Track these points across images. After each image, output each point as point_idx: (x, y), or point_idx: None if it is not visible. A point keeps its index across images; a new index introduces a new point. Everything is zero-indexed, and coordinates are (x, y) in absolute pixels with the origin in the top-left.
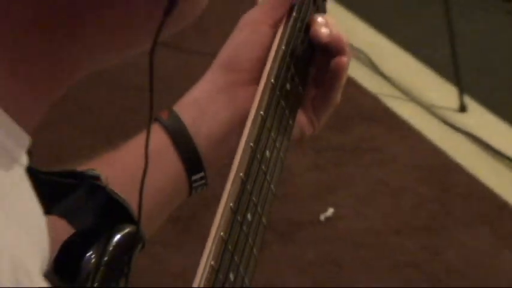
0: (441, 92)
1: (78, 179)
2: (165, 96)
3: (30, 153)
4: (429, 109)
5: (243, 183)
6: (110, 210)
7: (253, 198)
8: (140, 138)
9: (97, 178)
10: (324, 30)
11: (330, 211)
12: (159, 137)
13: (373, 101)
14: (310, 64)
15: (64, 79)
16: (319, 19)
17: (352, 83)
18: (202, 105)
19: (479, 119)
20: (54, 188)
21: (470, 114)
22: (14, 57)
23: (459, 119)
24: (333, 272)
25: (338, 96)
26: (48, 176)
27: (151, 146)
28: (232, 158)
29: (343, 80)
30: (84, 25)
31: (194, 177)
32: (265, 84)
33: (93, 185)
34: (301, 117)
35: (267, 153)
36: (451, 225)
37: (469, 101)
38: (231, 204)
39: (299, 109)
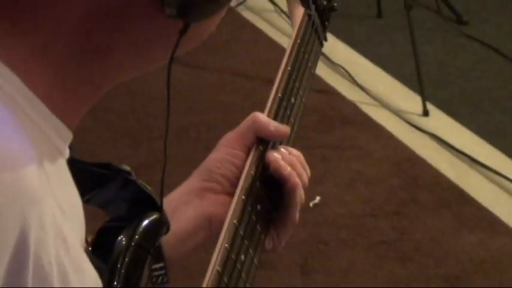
0: (408, 99)
1: (113, 172)
2: (177, 105)
3: (71, 147)
4: (398, 114)
5: (220, 275)
6: (139, 200)
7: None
8: None
9: (129, 173)
10: (272, 166)
11: (318, 199)
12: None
13: (352, 107)
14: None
15: (96, 90)
16: (271, 155)
17: (334, 92)
18: (174, 205)
19: (439, 121)
20: (91, 177)
21: (432, 117)
22: (58, 72)
23: (423, 122)
24: (320, 249)
25: (294, 218)
26: (87, 166)
27: None
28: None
29: (294, 205)
30: (113, 50)
31: (154, 266)
32: (238, 199)
33: (126, 178)
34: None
35: (242, 256)
36: (417, 210)
37: (430, 107)
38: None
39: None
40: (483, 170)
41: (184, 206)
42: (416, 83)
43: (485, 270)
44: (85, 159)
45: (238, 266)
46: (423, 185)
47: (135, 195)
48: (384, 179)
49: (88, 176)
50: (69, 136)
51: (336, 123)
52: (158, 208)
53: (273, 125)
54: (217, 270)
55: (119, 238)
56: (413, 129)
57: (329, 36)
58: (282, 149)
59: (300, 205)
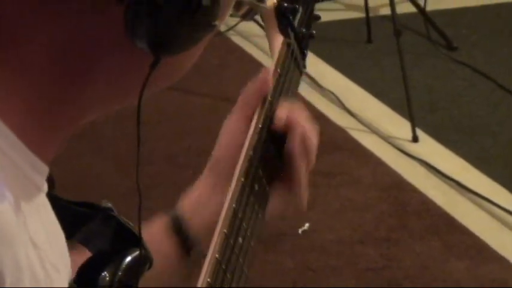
0: (397, 125)
1: (95, 210)
2: (167, 130)
3: (49, 180)
4: (387, 140)
5: (219, 263)
6: (121, 236)
7: (228, 276)
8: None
9: (111, 209)
10: (282, 118)
11: (306, 225)
12: (164, 222)
13: (342, 133)
14: (276, 164)
15: (70, 124)
16: (280, 110)
17: (323, 118)
18: (194, 205)
19: (429, 148)
20: (73, 215)
21: (421, 144)
22: (32, 106)
23: (412, 147)
24: (309, 276)
25: (299, 185)
26: (69, 204)
27: (158, 229)
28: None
29: (299, 170)
30: (86, 83)
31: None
32: (236, 184)
33: (108, 215)
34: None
35: (240, 239)
36: (406, 236)
37: (420, 133)
38: (208, 279)
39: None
40: (472, 196)
41: (205, 203)
42: (406, 108)
43: None
44: (74, 184)
45: (236, 250)
46: (412, 211)
47: (117, 231)
48: (373, 206)
49: (70, 214)
50: (45, 170)
51: (326, 149)
52: (141, 243)
53: (257, 79)
54: (216, 258)
55: (102, 275)
56: (403, 155)
57: (318, 61)
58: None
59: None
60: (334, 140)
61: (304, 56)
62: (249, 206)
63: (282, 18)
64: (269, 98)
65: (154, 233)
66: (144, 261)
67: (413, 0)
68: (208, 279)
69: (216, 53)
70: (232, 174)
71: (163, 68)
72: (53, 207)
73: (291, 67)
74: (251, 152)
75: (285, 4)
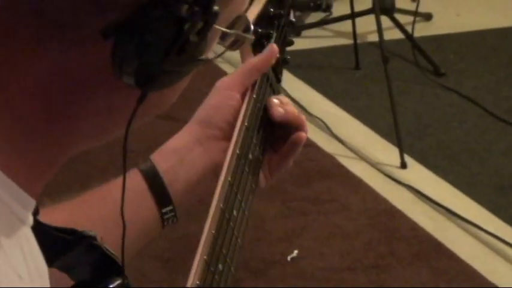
0: (385, 152)
1: (78, 237)
2: (147, 146)
3: (36, 212)
4: (376, 166)
5: (215, 239)
6: (103, 265)
7: (224, 251)
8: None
9: (94, 238)
10: (279, 109)
11: (295, 252)
12: (137, 181)
13: (330, 159)
14: (269, 135)
15: (57, 158)
16: (275, 100)
17: (312, 145)
18: (182, 154)
19: (417, 174)
20: (56, 241)
21: (410, 170)
22: (17, 141)
23: (400, 174)
24: None
25: (291, 162)
26: (53, 231)
27: (132, 188)
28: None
29: (299, 150)
30: (72, 118)
31: (164, 210)
32: (232, 154)
33: (90, 243)
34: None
35: (235, 212)
36: (395, 263)
37: (408, 159)
38: (205, 256)
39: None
40: (461, 222)
41: (189, 155)
42: (394, 135)
43: None
44: (58, 199)
45: (232, 224)
46: (401, 237)
47: (99, 259)
48: (362, 232)
49: (53, 240)
50: (31, 204)
51: (314, 176)
52: (122, 272)
53: (264, 53)
54: (212, 233)
55: None
56: (391, 181)
57: (307, 88)
58: (279, 97)
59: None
60: (323, 166)
61: (279, 81)
62: (243, 179)
63: (257, 43)
64: (245, 124)
65: (131, 193)
66: None
67: (401, 26)
68: (205, 257)
69: (204, 81)
70: (222, 134)
71: (150, 101)
72: (37, 233)
73: (267, 93)
74: (246, 124)
75: (259, 30)
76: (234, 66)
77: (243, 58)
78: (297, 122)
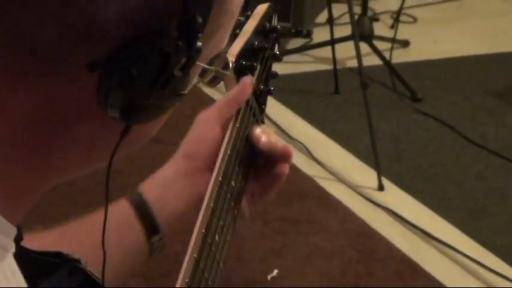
0: (363, 174)
1: (62, 260)
2: (140, 179)
3: (18, 239)
4: (354, 188)
5: (197, 262)
6: (87, 287)
7: (205, 275)
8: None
9: (78, 261)
10: (263, 139)
11: (275, 272)
12: (126, 210)
13: (310, 182)
14: (252, 164)
15: (38, 188)
16: (258, 130)
17: (292, 167)
18: (168, 186)
19: (394, 196)
20: (41, 265)
21: (387, 192)
22: (0, 169)
23: (378, 196)
24: None
25: (274, 193)
26: (37, 255)
27: (120, 216)
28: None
29: (282, 181)
30: (55, 150)
31: (153, 240)
32: (214, 181)
33: (74, 266)
34: (242, 202)
35: (217, 237)
36: (372, 283)
37: (386, 182)
38: (187, 279)
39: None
40: (436, 243)
41: (175, 186)
42: (372, 158)
43: None
44: (47, 230)
45: (213, 248)
46: (378, 258)
47: (83, 282)
48: (340, 253)
49: (38, 264)
50: (12, 231)
51: (294, 197)
52: None
53: (239, 85)
54: (195, 257)
55: None
56: (369, 203)
57: (287, 111)
58: (263, 127)
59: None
60: (303, 188)
61: (262, 111)
62: (226, 204)
63: (241, 75)
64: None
65: (120, 222)
66: None
67: (379, 53)
68: (187, 280)
69: (187, 104)
70: (204, 166)
71: (134, 134)
72: (20, 258)
73: (250, 122)
74: (229, 152)
75: (243, 62)
76: (217, 91)
77: (227, 90)
78: (283, 153)
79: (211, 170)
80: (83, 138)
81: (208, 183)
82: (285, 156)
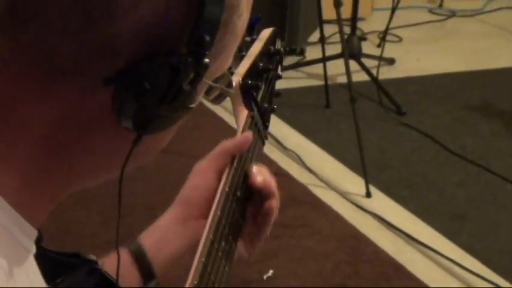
0: (352, 182)
1: (81, 261)
2: (146, 185)
3: (38, 240)
4: (344, 195)
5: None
6: (102, 286)
7: (212, 278)
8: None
9: (95, 262)
10: (258, 178)
11: (271, 272)
12: (125, 256)
13: (303, 189)
14: (249, 202)
15: (58, 195)
16: (255, 169)
17: (286, 175)
18: (164, 233)
19: (381, 202)
20: (60, 264)
21: (374, 199)
22: (24, 178)
23: (366, 202)
24: None
25: (269, 230)
26: (58, 255)
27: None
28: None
29: (273, 218)
30: (73, 159)
31: (149, 285)
32: (213, 215)
33: (92, 267)
34: (240, 248)
35: (215, 265)
36: (360, 282)
37: (373, 189)
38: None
39: (240, 240)
40: (419, 246)
41: (170, 232)
42: (360, 167)
43: None
44: (62, 234)
45: (212, 277)
46: (365, 259)
47: (100, 282)
48: (331, 254)
49: (58, 263)
50: (34, 233)
51: (288, 203)
52: None
53: (238, 139)
54: (194, 283)
55: None
56: (357, 209)
57: (282, 124)
58: (258, 167)
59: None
60: (296, 195)
61: (266, 128)
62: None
63: (247, 94)
64: (234, 165)
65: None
66: None
67: (367, 70)
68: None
69: (190, 117)
70: (199, 213)
71: (143, 144)
72: (41, 258)
73: (255, 137)
74: (227, 189)
75: (249, 82)
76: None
77: (234, 107)
78: (267, 190)
79: (205, 216)
80: (98, 147)
81: (201, 228)
82: (268, 192)
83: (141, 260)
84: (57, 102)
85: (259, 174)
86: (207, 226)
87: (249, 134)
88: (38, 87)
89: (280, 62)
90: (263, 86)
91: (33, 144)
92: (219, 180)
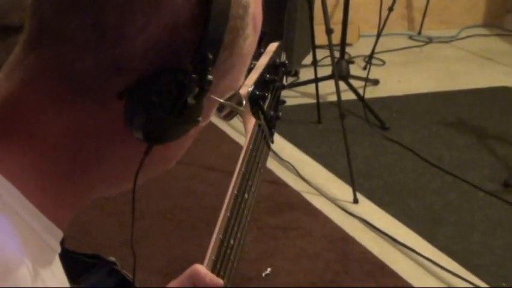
0: (341, 189)
1: (101, 261)
2: (156, 191)
3: (63, 242)
4: (333, 201)
5: (215, 264)
6: (121, 286)
7: (221, 273)
8: None
9: (115, 263)
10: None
11: (269, 270)
12: None
13: (297, 195)
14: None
15: (80, 200)
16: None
17: (283, 183)
18: None
19: (367, 208)
20: (82, 264)
21: (361, 205)
22: (49, 184)
23: (353, 208)
24: None
25: None
26: (80, 256)
27: None
28: None
29: None
30: (92, 168)
31: None
32: (230, 194)
33: (112, 268)
34: None
35: (232, 241)
36: (349, 280)
37: (359, 196)
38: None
39: None
40: (401, 247)
41: None
42: (348, 176)
43: None
44: (79, 234)
45: (228, 251)
46: (353, 259)
47: (118, 282)
48: (322, 254)
49: (80, 263)
50: (59, 234)
51: (284, 208)
52: None
53: (209, 278)
54: (213, 259)
55: None
56: (346, 213)
57: (278, 137)
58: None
59: None
60: (291, 201)
61: (272, 134)
62: (239, 215)
63: (254, 103)
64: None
65: None
66: None
67: (354, 89)
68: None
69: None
70: None
71: (156, 154)
72: (65, 257)
73: (262, 143)
74: (243, 169)
75: (257, 92)
76: (220, 119)
77: (243, 116)
78: None
79: None
80: (114, 156)
81: None
82: None
83: None
84: (75, 114)
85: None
86: (217, 227)
87: (220, 283)
88: (59, 100)
89: (285, 73)
90: (269, 96)
91: (54, 150)
92: None
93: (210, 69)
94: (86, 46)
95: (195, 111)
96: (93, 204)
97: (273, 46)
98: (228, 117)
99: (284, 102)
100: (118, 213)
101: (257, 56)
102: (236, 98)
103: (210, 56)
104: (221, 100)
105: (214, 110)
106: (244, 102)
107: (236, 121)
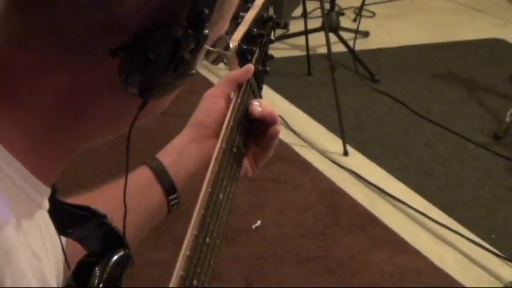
0: (331, 142)
1: (91, 213)
2: (144, 145)
3: (53, 188)
4: (323, 153)
5: (204, 217)
6: (111, 239)
7: (211, 227)
8: (131, 176)
9: (104, 216)
10: (257, 109)
11: (259, 222)
12: (146, 173)
13: (287, 148)
14: (251, 132)
15: (68, 154)
16: (255, 102)
17: None
18: (181, 151)
19: (357, 160)
20: (73, 215)
21: (351, 157)
22: (35, 140)
23: (343, 160)
24: (261, 263)
25: (272, 152)
26: (70, 207)
27: (142, 179)
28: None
29: (276, 142)
30: (82, 122)
31: (171, 197)
32: (219, 148)
33: (101, 220)
34: (246, 164)
35: (221, 195)
36: (338, 232)
37: (349, 148)
38: (195, 231)
39: (245, 159)
40: (391, 199)
41: (187, 151)
42: (339, 128)
43: (392, 282)
44: (69, 191)
45: (218, 204)
46: (343, 211)
47: (108, 234)
48: (312, 207)
49: (70, 214)
50: (47, 191)
51: (274, 160)
52: (125, 245)
53: (243, 69)
54: (202, 213)
55: (95, 270)
56: (336, 166)
57: (268, 90)
58: (259, 100)
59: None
60: (281, 153)
61: (260, 88)
62: (228, 167)
63: (242, 57)
64: (231, 123)
65: (142, 183)
66: (127, 260)
67: (345, 42)
68: (195, 232)
69: (187, 83)
70: (212, 133)
71: (148, 107)
72: (56, 209)
73: (250, 98)
74: (232, 123)
75: (244, 46)
76: (210, 72)
77: (231, 68)
78: (271, 118)
79: (218, 136)
80: (105, 111)
81: (215, 147)
82: (273, 119)
83: (163, 175)
84: (68, 72)
85: (258, 105)
86: (213, 158)
87: (250, 66)
88: (51, 59)
89: (273, 27)
90: (257, 50)
91: (45, 108)
92: (228, 104)
93: (207, 24)
94: (77, 4)
95: (190, 65)
96: (82, 159)
97: (260, 0)
98: (215, 61)
99: (272, 57)
100: (107, 167)
101: (244, 9)
102: (223, 42)
103: (206, 11)
104: (210, 48)
105: (202, 57)
106: (231, 45)
107: (225, 73)
